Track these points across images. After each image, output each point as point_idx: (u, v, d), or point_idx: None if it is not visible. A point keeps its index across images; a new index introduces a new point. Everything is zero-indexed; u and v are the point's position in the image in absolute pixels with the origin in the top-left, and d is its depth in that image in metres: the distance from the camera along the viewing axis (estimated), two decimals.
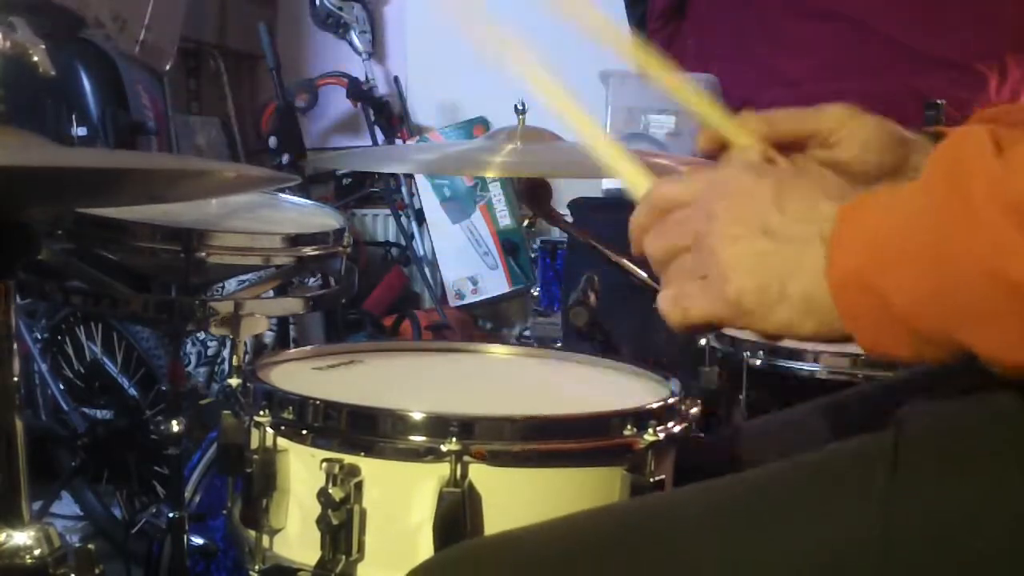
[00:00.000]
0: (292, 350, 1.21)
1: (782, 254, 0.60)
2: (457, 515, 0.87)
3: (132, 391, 2.27)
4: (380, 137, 3.48)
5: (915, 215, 0.56)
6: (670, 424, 0.97)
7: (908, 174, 0.84)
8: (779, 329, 0.61)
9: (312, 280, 1.82)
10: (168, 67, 2.93)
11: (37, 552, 0.95)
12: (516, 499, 0.92)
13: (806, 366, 1.36)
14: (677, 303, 0.64)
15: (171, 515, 1.45)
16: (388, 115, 3.50)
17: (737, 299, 0.61)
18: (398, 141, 3.51)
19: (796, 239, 0.60)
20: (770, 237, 0.61)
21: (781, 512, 0.64)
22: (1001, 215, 0.51)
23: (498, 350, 1.30)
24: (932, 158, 0.58)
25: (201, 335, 2.37)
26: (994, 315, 0.53)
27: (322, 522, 0.90)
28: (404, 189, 3.48)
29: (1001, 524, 0.58)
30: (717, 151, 0.82)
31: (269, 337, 2.45)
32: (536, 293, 2.82)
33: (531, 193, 1.40)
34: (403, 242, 3.49)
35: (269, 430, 0.96)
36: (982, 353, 0.54)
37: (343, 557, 0.90)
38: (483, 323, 3.60)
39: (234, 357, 1.16)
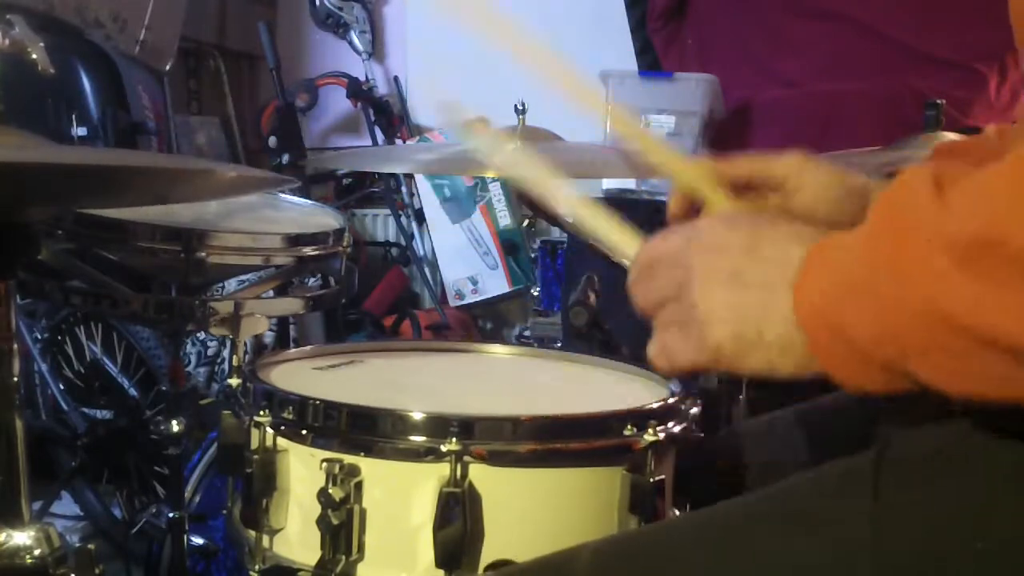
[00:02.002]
0: (292, 350, 1.21)
1: (755, 300, 0.62)
2: (457, 515, 0.87)
3: (132, 391, 2.27)
4: (380, 137, 3.48)
5: (864, 255, 0.58)
6: (670, 424, 0.97)
7: None
8: (760, 371, 0.63)
9: (312, 280, 1.82)
10: (168, 67, 2.93)
11: (37, 552, 0.95)
12: (516, 499, 0.92)
13: None
14: (662, 352, 0.68)
15: (171, 515, 1.45)
16: (388, 115, 3.50)
17: (716, 346, 0.64)
18: (398, 141, 3.51)
19: (768, 284, 0.62)
20: (743, 285, 0.63)
21: (770, 541, 0.65)
22: (936, 253, 0.53)
23: (498, 350, 1.30)
24: (876, 201, 0.60)
25: (201, 335, 2.37)
26: (933, 348, 0.55)
27: (322, 522, 0.90)
28: (404, 189, 3.48)
29: (981, 545, 0.59)
30: (688, 209, 0.85)
31: (269, 337, 2.45)
32: (536, 293, 2.82)
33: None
34: (403, 242, 3.48)
35: (269, 430, 0.96)
36: (928, 384, 0.56)
37: (343, 557, 0.90)
38: (483, 323, 3.60)
39: (234, 357, 1.16)
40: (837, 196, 0.84)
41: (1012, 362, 0.52)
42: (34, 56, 1.07)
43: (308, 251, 1.37)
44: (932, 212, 0.55)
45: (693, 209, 0.85)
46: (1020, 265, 0.51)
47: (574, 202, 0.80)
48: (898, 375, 0.57)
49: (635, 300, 0.71)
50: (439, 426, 0.90)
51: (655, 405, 0.97)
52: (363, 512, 0.91)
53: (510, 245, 3.42)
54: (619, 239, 0.77)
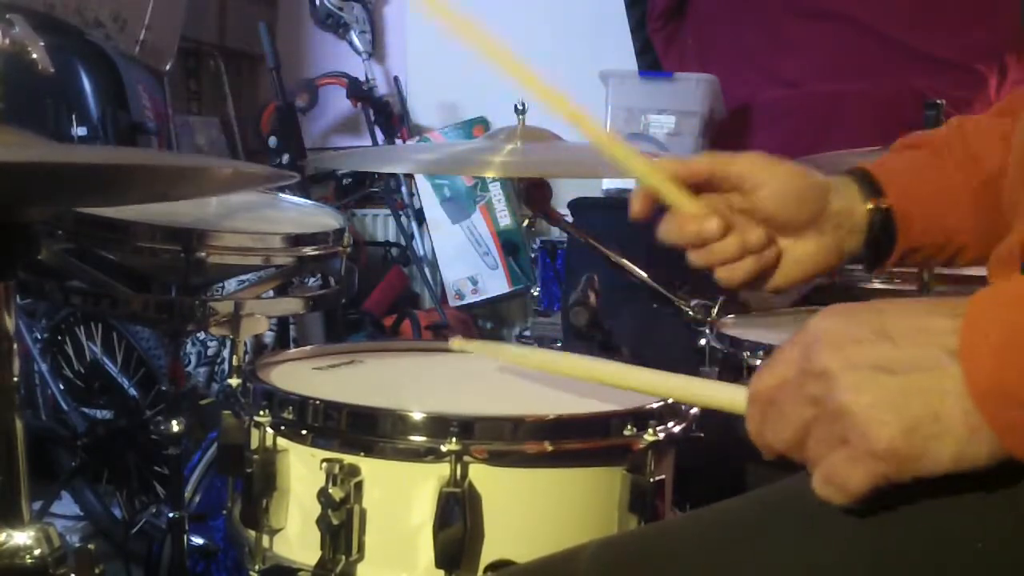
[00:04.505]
0: (292, 350, 1.21)
1: (917, 384, 0.54)
2: (457, 515, 0.87)
3: (132, 391, 2.27)
4: (380, 137, 3.48)
5: None
6: (670, 424, 0.97)
7: (830, 220, 0.86)
8: (953, 464, 0.54)
9: (312, 280, 1.82)
10: (168, 67, 2.94)
11: (37, 552, 0.95)
12: (516, 499, 0.92)
13: None
14: (831, 482, 0.57)
15: (171, 515, 1.45)
16: (388, 115, 3.50)
17: (891, 449, 0.54)
18: (398, 141, 3.51)
19: (923, 364, 0.54)
20: (894, 372, 0.54)
21: (771, 541, 0.64)
22: None
23: None
24: None
25: (201, 335, 2.37)
26: None
27: (322, 522, 0.90)
28: (404, 189, 3.48)
29: (981, 545, 0.58)
30: (652, 207, 0.84)
31: (269, 337, 2.45)
32: (536, 293, 2.82)
33: (531, 193, 1.40)
34: (403, 242, 3.48)
35: (269, 430, 0.96)
36: None
37: (343, 557, 0.90)
38: (483, 323, 3.60)
39: (234, 357, 1.16)
40: (797, 193, 0.84)
41: None
42: (34, 56, 1.07)
43: (308, 251, 1.37)
44: None
45: (658, 208, 0.86)
46: None
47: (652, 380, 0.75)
48: None
49: (769, 447, 0.61)
50: (439, 426, 0.90)
51: (655, 405, 0.97)
52: (363, 512, 0.91)
53: (510, 245, 3.42)
54: (724, 396, 0.70)
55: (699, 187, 0.85)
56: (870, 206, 0.88)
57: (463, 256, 3.45)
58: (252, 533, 0.98)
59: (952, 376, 0.53)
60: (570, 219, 1.93)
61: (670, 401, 0.99)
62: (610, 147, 0.84)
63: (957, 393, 0.53)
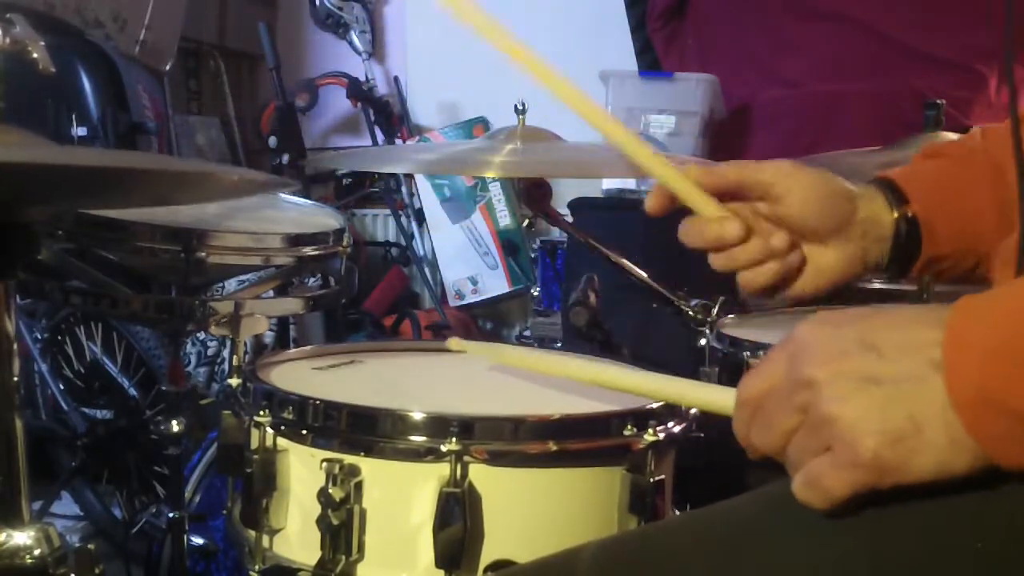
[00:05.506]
0: (292, 350, 1.21)
1: (901, 395, 0.55)
2: (457, 515, 0.87)
3: (132, 391, 2.27)
4: (380, 137, 3.48)
5: None
6: (670, 424, 0.97)
7: (855, 228, 0.86)
8: (935, 474, 0.55)
9: (312, 280, 1.82)
10: (168, 67, 2.94)
11: (37, 552, 0.95)
12: (516, 499, 0.92)
13: None
14: (813, 487, 0.58)
15: (171, 515, 1.45)
16: (388, 115, 3.50)
17: (874, 458, 0.55)
18: (398, 141, 3.51)
19: (908, 376, 0.55)
20: (880, 383, 0.56)
21: (771, 541, 0.64)
22: None
23: None
24: None
25: (201, 335, 2.37)
26: None
27: (322, 522, 0.90)
28: (404, 189, 3.48)
29: (980, 545, 0.59)
30: (668, 206, 0.85)
31: (269, 337, 2.45)
32: (536, 293, 2.82)
33: (531, 193, 1.40)
34: (403, 242, 3.48)
35: (269, 430, 0.96)
36: None
37: (343, 557, 0.90)
38: (483, 323, 3.60)
39: (234, 357, 1.16)
40: (822, 200, 0.84)
41: None
42: (35, 55, 1.07)
43: (308, 251, 1.37)
44: None
45: (673, 205, 0.86)
46: None
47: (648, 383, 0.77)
48: None
49: (753, 447, 0.63)
50: (439, 426, 0.90)
51: (655, 405, 0.97)
52: (363, 512, 0.91)
53: (510, 245, 3.42)
54: (711, 397, 0.72)
55: (725, 196, 0.85)
56: (896, 215, 0.88)
57: (463, 256, 3.45)
58: (252, 533, 0.98)
59: (935, 388, 0.54)
60: (570, 219, 1.93)
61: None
62: (634, 150, 0.84)
63: (940, 405, 0.54)
